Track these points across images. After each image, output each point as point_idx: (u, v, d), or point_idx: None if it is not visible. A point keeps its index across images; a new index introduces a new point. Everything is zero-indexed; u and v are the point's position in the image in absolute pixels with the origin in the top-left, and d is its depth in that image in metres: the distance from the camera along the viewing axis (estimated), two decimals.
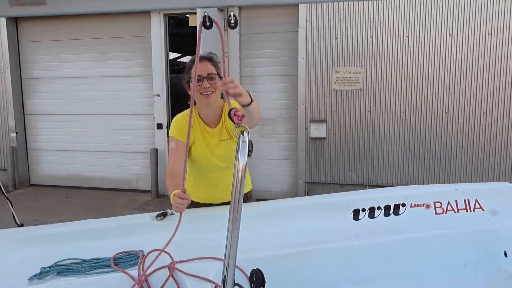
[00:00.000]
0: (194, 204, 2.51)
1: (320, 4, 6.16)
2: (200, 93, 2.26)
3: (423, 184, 6.07)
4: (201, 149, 2.41)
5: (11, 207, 2.22)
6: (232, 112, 1.51)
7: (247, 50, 6.78)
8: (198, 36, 1.46)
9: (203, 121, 2.42)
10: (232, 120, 1.52)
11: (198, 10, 5.70)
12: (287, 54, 6.63)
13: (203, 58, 2.29)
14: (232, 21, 1.41)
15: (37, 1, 1.20)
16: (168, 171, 2.30)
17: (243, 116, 1.51)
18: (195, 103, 2.37)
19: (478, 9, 5.72)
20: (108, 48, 7.42)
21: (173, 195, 2.00)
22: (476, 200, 2.36)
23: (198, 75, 2.23)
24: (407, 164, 6.20)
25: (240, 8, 6.64)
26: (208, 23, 1.39)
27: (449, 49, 5.86)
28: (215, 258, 1.88)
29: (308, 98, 6.40)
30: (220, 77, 2.29)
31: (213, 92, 2.26)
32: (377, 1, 5.96)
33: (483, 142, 5.91)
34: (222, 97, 2.39)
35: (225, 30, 6.64)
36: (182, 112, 2.47)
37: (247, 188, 2.66)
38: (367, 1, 6.00)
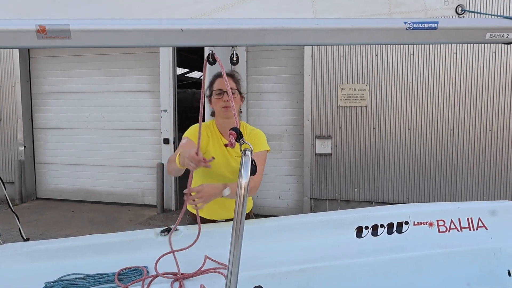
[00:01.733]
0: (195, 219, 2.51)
1: None
2: (221, 107, 2.41)
3: (429, 201, 6.04)
4: (221, 155, 2.47)
5: (17, 221, 2.25)
6: (229, 133, 1.50)
7: (253, 67, 6.85)
8: (204, 71, 1.63)
9: (221, 133, 2.53)
10: (241, 136, 1.52)
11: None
12: (293, 71, 6.69)
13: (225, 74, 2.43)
14: (234, 59, 1.57)
15: (63, 36, 1.31)
16: (170, 157, 2.30)
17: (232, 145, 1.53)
18: (214, 116, 2.57)
19: None
20: (117, 63, 7.53)
21: (178, 155, 2.03)
22: (479, 219, 2.35)
23: (219, 89, 2.41)
24: (413, 181, 6.18)
25: None
26: (211, 60, 1.54)
27: (454, 67, 5.89)
28: (218, 272, 1.89)
29: (314, 115, 6.43)
30: (240, 93, 2.52)
31: (231, 106, 2.33)
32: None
33: (488, 159, 5.89)
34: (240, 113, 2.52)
35: (232, 46, 6.71)
36: (205, 123, 2.56)
37: (248, 208, 2.66)
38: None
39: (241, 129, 2.39)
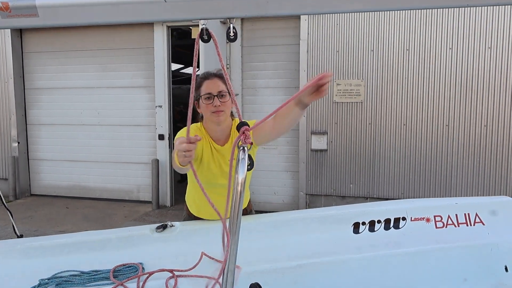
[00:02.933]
0: (194, 219, 2.49)
1: (321, 17, 6.21)
2: (211, 112, 2.19)
3: (424, 196, 6.06)
4: (207, 164, 2.30)
5: (11, 218, 2.23)
6: (242, 130, 1.44)
7: (249, 62, 6.82)
8: (196, 48, 1.38)
9: (211, 137, 2.33)
10: (239, 136, 1.45)
11: (200, 22, 5.74)
12: (288, 67, 6.66)
13: (213, 75, 2.25)
14: (232, 34, 1.35)
15: (29, 13, 1.17)
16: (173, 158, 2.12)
17: (251, 143, 1.45)
18: (202, 120, 2.34)
19: (478, 23, 5.76)
20: (111, 59, 7.48)
21: (176, 152, 1.84)
22: (477, 214, 2.35)
23: (208, 93, 2.18)
24: (408, 176, 6.20)
25: (242, 21, 6.70)
26: (205, 36, 1.34)
27: (449, 63, 5.89)
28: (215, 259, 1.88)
29: (309, 110, 6.42)
30: (230, 95, 2.19)
31: (223, 110, 2.20)
32: (378, 15, 6.01)
33: (483, 155, 5.91)
34: (232, 116, 2.33)
35: (227, 42, 6.69)
36: (191, 126, 2.35)
37: (244, 203, 2.56)
38: (368, 13, 6.06)
39: (232, 130, 2.32)
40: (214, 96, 2.18)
